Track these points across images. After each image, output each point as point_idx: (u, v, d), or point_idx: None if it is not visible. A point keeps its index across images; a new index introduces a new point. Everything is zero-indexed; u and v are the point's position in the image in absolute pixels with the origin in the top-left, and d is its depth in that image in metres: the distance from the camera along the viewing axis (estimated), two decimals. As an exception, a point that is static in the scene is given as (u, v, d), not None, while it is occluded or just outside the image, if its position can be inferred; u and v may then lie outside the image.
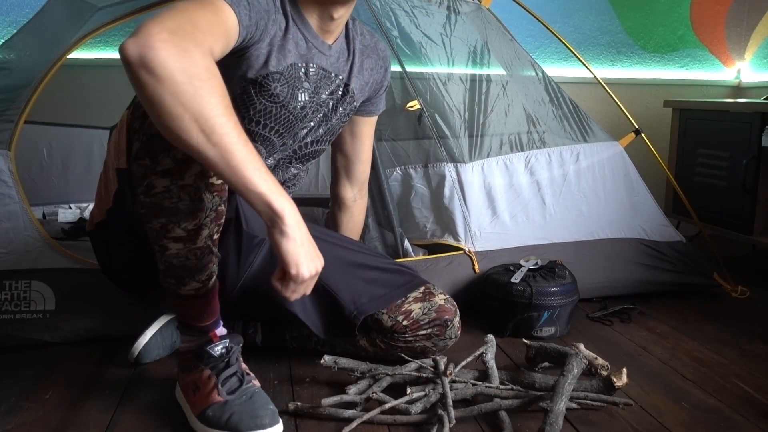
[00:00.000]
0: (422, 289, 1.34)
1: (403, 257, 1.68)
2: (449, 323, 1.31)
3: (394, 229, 1.71)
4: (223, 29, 0.93)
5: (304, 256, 0.90)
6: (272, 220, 0.87)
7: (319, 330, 1.29)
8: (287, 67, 1.12)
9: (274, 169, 1.25)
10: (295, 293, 0.94)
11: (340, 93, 1.25)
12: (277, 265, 0.93)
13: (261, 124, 1.15)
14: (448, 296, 1.35)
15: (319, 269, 0.94)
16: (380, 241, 1.73)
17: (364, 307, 1.28)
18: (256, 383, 1.12)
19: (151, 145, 0.94)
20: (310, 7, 1.13)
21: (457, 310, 1.33)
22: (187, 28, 0.84)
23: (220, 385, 1.07)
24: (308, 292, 0.97)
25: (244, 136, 0.85)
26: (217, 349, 1.10)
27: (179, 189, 0.97)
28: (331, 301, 1.28)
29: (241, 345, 1.14)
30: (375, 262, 1.36)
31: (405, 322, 1.29)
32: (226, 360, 1.10)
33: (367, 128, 1.40)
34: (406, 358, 1.27)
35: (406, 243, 1.72)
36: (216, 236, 1.06)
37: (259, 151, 1.16)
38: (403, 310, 1.30)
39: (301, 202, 1.94)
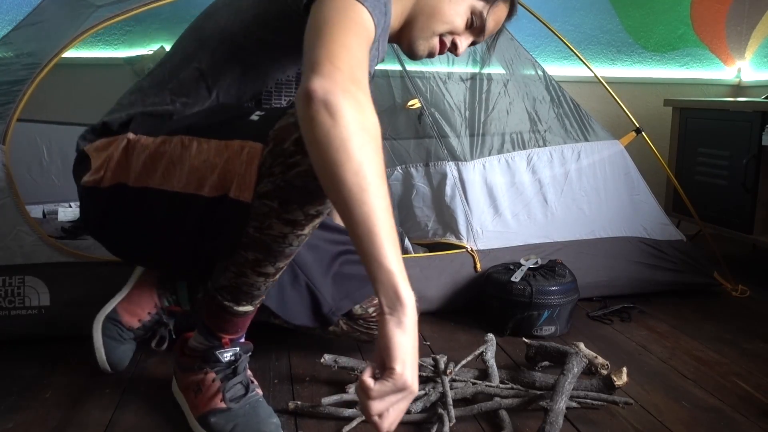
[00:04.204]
0: None
1: (405, 254, 1.68)
2: None
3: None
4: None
5: (413, 358, 0.75)
6: (393, 307, 0.76)
7: (292, 322, 1.30)
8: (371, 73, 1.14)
9: None
10: (381, 406, 0.74)
11: None
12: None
13: None
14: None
15: (416, 389, 0.76)
16: None
17: (342, 303, 1.33)
18: (259, 391, 1.12)
19: (287, 194, 0.92)
20: None
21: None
22: (360, 74, 0.83)
23: (225, 392, 1.07)
24: (396, 416, 0.76)
25: (390, 207, 0.80)
26: (227, 355, 1.09)
27: (295, 237, 0.97)
28: (312, 297, 1.30)
29: (249, 354, 1.14)
30: (354, 256, 1.38)
31: (373, 313, 1.36)
32: (234, 367, 1.10)
33: None
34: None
35: (407, 241, 1.72)
36: None
37: None
38: (375, 302, 1.35)
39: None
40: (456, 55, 1.23)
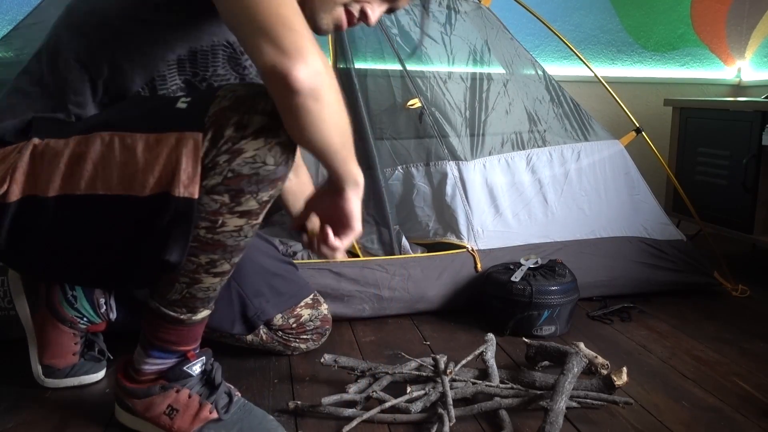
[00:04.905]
0: (312, 296, 1.42)
1: (401, 254, 1.68)
2: (327, 332, 1.43)
3: (390, 227, 1.71)
4: None
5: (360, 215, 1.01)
6: (354, 189, 0.96)
7: (218, 326, 1.30)
8: None
9: None
10: (341, 249, 1.02)
11: None
12: None
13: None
14: (328, 307, 1.45)
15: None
16: (377, 239, 1.73)
17: (267, 311, 1.34)
18: (239, 393, 1.10)
19: (237, 184, 0.89)
20: None
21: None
22: (311, 33, 0.87)
23: (212, 404, 1.03)
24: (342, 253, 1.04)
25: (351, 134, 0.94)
26: (196, 367, 1.04)
27: (250, 228, 0.94)
28: (241, 302, 1.31)
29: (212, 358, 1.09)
30: (278, 267, 1.40)
31: (294, 324, 1.38)
32: (210, 379, 1.05)
33: None
34: (407, 357, 1.28)
35: (404, 241, 1.72)
36: None
37: None
38: (295, 313, 1.38)
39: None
40: (368, 25, 1.09)
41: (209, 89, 0.97)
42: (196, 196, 0.88)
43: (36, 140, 0.94)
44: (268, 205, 0.95)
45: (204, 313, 1.03)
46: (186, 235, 0.90)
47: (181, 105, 0.91)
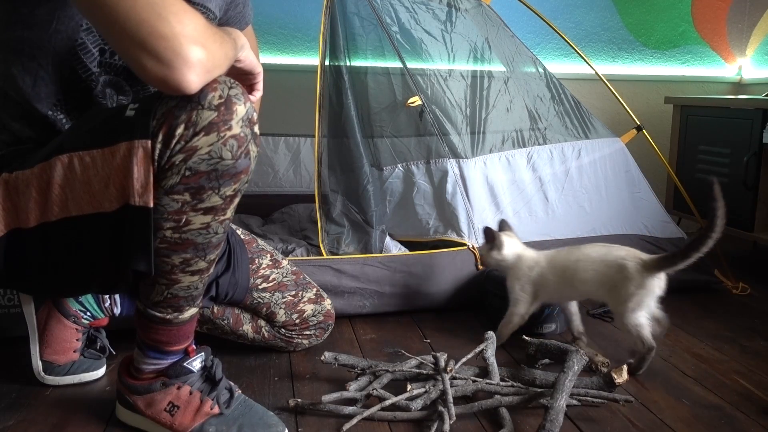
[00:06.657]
0: (315, 290, 1.41)
1: (383, 253, 1.68)
2: (330, 327, 1.43)
3: (373, 227, 1.72)
4: None
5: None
6: (242, 49, 0.97)
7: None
8: None
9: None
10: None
11: None
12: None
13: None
14: (331, 302, 1.44)
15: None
16: (355, 239, 1.73)
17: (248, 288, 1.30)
18: (239, 390, 1.10)
19: (195, 181, 0.89)
20: None
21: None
22: (201, 23, 0.86)
23: (213, 399, 1.04)
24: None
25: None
26: (196, 363, 1.05)
27: (219, 224, 0.94)
28: (232, 270, 1.27)
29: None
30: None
31: (297, 320, 1.37)
32: (212, 374, 1.06)
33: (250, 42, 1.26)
34: (407, 354, 1.28)
35: (387, 239, 1.72)
36: None
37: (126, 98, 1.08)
38: (298, 308, 1.37)
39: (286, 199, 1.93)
40: None
41: (156, 93, 0.92)
42: (151, 204, 0.89)
43: (5, 174, 0.97)
44: (236, 199, 0.94)
45: (191, 312, 1.03)
46: (147, 243, 0.90)
47: (129, 113, 0.91)
